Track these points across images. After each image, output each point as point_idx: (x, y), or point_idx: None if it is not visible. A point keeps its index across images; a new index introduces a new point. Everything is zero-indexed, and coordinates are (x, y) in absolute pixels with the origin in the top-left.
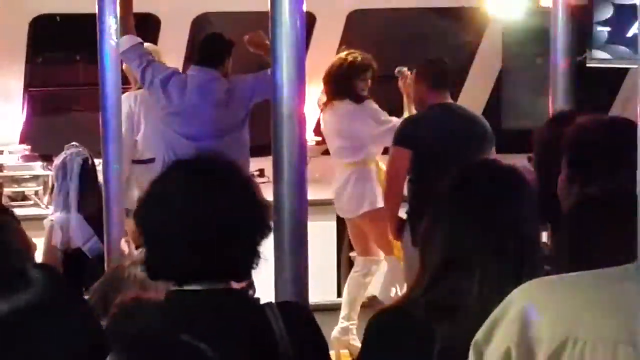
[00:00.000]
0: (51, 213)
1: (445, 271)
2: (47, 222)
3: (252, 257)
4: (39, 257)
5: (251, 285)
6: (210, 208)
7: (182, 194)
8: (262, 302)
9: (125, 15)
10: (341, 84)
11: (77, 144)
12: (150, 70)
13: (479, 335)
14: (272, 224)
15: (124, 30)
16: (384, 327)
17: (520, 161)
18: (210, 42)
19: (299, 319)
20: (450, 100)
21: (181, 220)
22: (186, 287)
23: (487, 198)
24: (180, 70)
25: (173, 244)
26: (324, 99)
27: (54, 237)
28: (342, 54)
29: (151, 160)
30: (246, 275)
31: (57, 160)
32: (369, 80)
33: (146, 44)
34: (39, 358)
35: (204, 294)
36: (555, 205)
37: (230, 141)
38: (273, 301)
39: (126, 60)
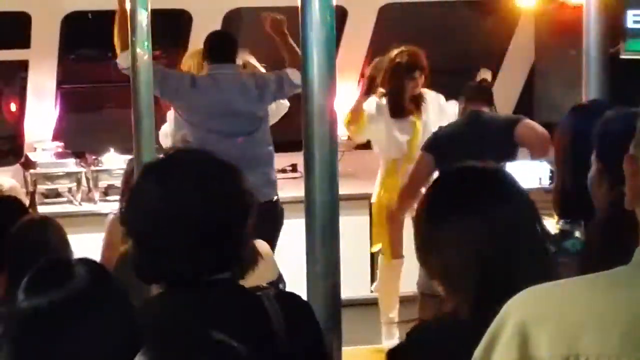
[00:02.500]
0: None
1: (478, 289)
2: (110, 217)
3: (241, 244)
4: (97, 252)
5: (281, 279)
6: (188, 209)
7: (154, 201)
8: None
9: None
10: (393, 87)
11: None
12: (170, 78)
13: (477, 353)
14: (252, 205)
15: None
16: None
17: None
18: (223, 39)
19: (298, 310)
20: (483, 109)
21: (162, 226)
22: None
23: (492, 202)
24: None
25: (158, 250)
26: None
27: (118, 231)
28: (392, 54)
29: None
30: (235, 266)
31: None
32: (420, 78)
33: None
34: (77, 349)
35: (203, 288)
36: (585, 200)
37: (261, 135)
38: (271, 293)
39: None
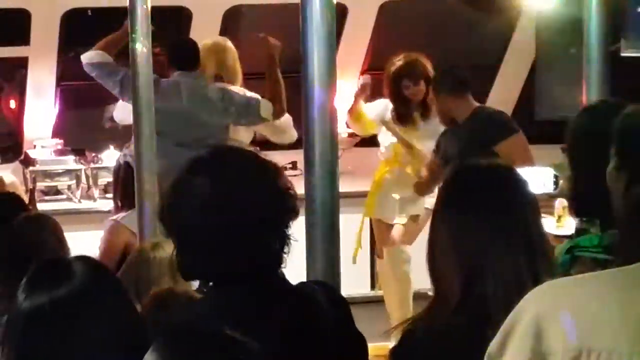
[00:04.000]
0: (113, 212)
1: (466, 281)
2: (108, 223)
3: (283, 245)
4: (96, 249)
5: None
6: (238, 204)
7: (209, 197)
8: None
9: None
10: (392, 94)
11: None
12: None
13: (493, 346)
14: (298, 208)
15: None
16: (416, 346)
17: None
18: (187, 46)
19: (338, 298)
20: (475, 104)
21: (211, 221)
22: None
23: (488, 199)
24: None
25: (205, 246)
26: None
27: (117, 237)
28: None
29: None
30: (280, 264)
31: (121, 159)
32: (414, 86)
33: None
34: (80, 347)
35: (243, 287)
36: (601, 200)
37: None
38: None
39: (98, 73)
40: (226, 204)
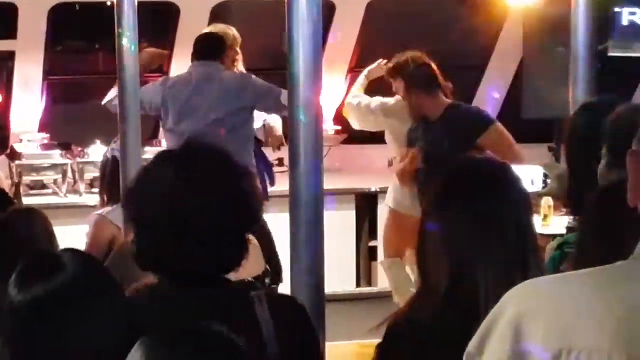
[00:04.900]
0: (98, 207)
1: (456, 274)
2: (93, 217)
3: (241, 249)
4: (82, 243)
5: (267, 273)
6: (198, 201)
7: (171, 186)
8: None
9: None
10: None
11: None
12: (145, 92)
13: (472, 345)
14: (260, 214)
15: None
16: (402, 339)
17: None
18: (207, 39)
19: (290, 315)
20: (446, 101)
21: (170, 213)
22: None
23: (481, 194)
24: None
25: (161, 238)
26: None
27: (102, 231)
28: None
29: None
30: (234, 267)
31: (109, 153)
32: (396, 79)
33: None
34: (76, 338)
35: (195, 288)
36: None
37: (236, 133)
38: (265, 292)
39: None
40: (185, 199)
